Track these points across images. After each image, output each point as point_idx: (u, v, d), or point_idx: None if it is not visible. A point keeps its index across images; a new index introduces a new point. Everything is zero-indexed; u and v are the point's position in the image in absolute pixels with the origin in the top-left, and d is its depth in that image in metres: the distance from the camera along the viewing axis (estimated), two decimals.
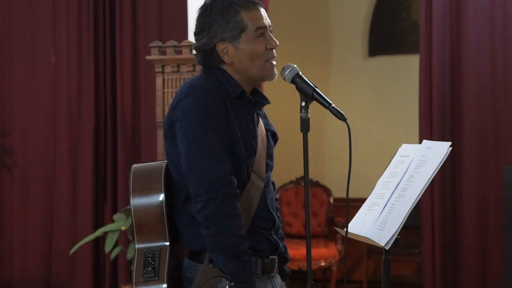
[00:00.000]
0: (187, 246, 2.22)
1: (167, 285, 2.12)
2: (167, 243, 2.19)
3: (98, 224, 5.44)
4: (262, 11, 2.23)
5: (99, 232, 5.01)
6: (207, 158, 2.09)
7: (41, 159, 5.67)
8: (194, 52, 2.32)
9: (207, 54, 2.21)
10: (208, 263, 2.13)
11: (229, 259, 2.06)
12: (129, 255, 4.82)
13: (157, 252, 2.17)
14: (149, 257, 2.16)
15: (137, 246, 2.20)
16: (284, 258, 2.38)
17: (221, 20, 2.18)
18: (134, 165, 2.28)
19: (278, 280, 2.32)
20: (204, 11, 2.22)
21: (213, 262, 2.11)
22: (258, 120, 2.27)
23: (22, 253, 5.69)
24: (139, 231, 2.20)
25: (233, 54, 2.19)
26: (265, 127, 2.31)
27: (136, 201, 2.21)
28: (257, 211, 2.20)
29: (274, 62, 2.23)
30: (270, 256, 2.25)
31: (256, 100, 2.26)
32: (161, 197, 2.19)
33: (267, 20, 2.22)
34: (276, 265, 2.30)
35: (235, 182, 2.11)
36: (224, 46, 2.19)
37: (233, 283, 2.06)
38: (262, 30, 2.20)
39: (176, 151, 2.17)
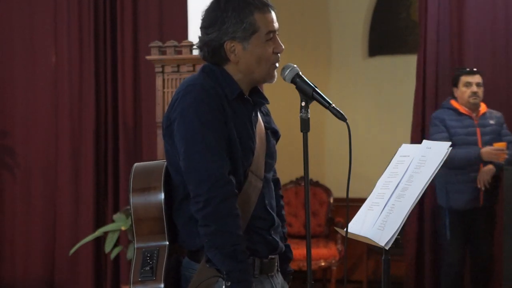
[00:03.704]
0: (184, 246, 2.22)
1: (164, 284, 2.12)
2: (166, 243, 2.18)
3: (99, 224, 5.44)
4: (274, 14, 2.23)
5: (99, 232, 5.01)
6: (207, 158, 2.08)
7: (42, 160, 5.67)
8: (197, 45, 2.28)
9: (215, 50, 2.20)
10: (205, 263, 2.12)
11: (225, 258, 2.06)
12: (129, 255, 4.81)
13: (155, 252, 2.16)
14: (148, 256, 2.15)
15: (136, 245, 2.19)
16: (286, 258, 2.39)
17: (235, 19, 2.16)
18: (135, 164, 2.27)
19: (279, 279, 2.32)
20: (217, 5, 2.19)
21: (210, 262, 2.11)
22: (257, 120, 2.26)
23: (24, 253, 5.70)
24: (138, 230, 2.20)
25: (241, 54, 2.19)
26: (265, 125, 2.30)
27: (136, 200, 2.20)
28: (254, 211, 2.19)
29: (277, 65, 2.24)
30: (269, 256, 2.25)
31: (255, 100, 2.26)
32: (161, 196, 2.18)
33: (276, 24, 2.23)
34: (277, 264, 2.30)
35: (234, 182, 2.11)
36: (232, 44, 2.18)
37: (229, 283, 2.05)
38: (272, 34, 2.20)
39: (174, 150, 2.17)
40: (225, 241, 2.06)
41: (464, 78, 4.77)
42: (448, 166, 4.60)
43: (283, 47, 2.23)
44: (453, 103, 4.81)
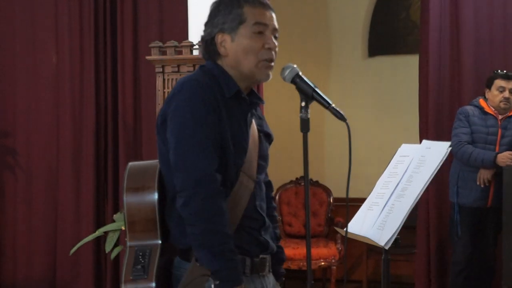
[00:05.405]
0: (175, 244, 2.22)
1: (156, 283, 2.13)
2: (159, 242, 2.19)
3: (100, 223, 5.45)
4: (270, 13, 2.23)
5: (99, 232, 5.01)
6: (195, 153, 2.08)
7: (43, 160, 5.68)
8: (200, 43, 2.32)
9: (207, 45, 2.24)
10: (196, 262, 2.12)
11: (214, 257, 2.05)
12: None
13: (148, 251, 2.17)
14: (140, 255, 2.17)
15: (129, 243, 2.20)
16: (279, 259, 2.38)
17: (224, 11, 2.20)
18: (130, 163, 2.29)
19: (270, 279, 2.32)
20: (214, 2, 2.26)
21: (200, 261, 2.10)
22: (251, 121, 2.26)
23: (25, 253, 5.71)
24: (131, 229, 2.21)
25: (229, 47, 2.20)
26: (258, 128, 2.31)
27: (129, 199, 2.21)
28: (245, 211, 2.19)
29: (272, 64, 2.22)
30: (260, 256, 2.26)
31: (251, 100, 2.26)
32: (154, 195, 2.20)
33: (271, 22, 2.22)
34: (268, 264, 2.30)
35: (220, 180, 2.10)
36: (223, 38, 2.20)
37: (217, 282, 2.05)
38: (261, 27, 2.19)
39: (167, 147, 2.17)
40: (212, 240, 2.05)
41: (498, 82, 4.76)
42: (463, 161, 4.71)
43: (276, 43, 2.21)
44: (482, 102, 4.84)
